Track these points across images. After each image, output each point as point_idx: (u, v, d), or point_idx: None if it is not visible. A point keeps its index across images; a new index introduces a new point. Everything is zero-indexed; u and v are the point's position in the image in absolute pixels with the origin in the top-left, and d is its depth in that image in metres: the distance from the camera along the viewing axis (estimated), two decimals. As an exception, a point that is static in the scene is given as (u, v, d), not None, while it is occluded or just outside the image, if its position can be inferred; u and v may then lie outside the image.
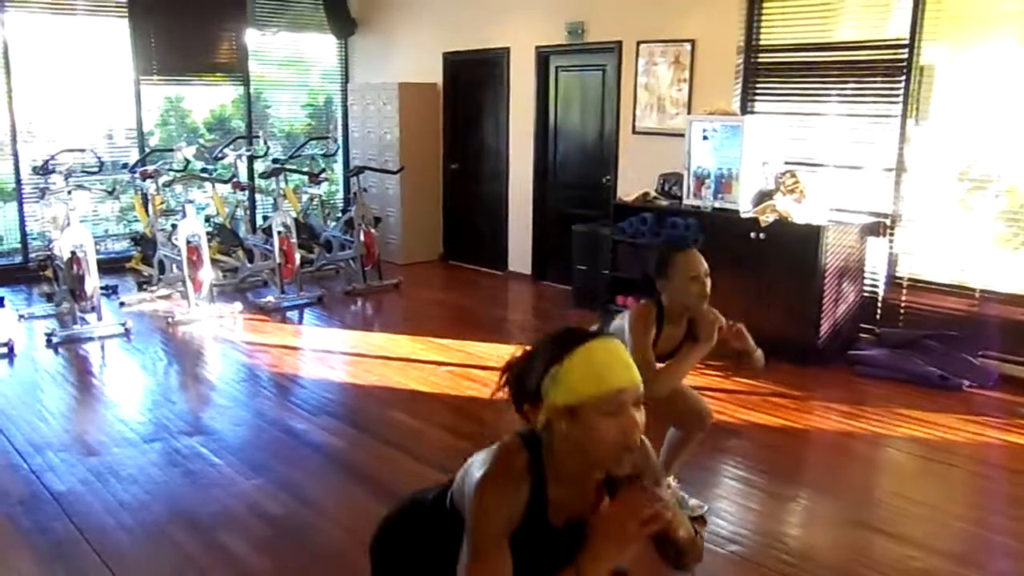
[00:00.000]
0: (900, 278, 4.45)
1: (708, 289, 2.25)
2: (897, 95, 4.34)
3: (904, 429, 3.49)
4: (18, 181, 6.19)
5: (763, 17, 4.84)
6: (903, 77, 4.30)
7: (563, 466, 1.25)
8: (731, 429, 3.47)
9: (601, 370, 1.20)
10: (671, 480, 2.70)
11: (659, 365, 2.36)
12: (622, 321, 2.39)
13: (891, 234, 4.45)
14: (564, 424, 1.22)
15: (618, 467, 1.23)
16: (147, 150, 6.48)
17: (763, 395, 3.85)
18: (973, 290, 4.18)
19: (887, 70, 4.37)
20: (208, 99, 7.35)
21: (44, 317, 5.14)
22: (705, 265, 2.27)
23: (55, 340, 4.62)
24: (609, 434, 1.19)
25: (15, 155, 6.14)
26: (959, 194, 4.36)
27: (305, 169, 6.50)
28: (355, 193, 6.28)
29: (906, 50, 4.27)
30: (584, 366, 1.20)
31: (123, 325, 4.82)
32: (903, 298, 4.44)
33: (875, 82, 4.43)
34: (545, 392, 1.23)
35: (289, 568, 2.38)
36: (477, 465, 1.29)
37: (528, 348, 1.31)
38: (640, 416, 1.22)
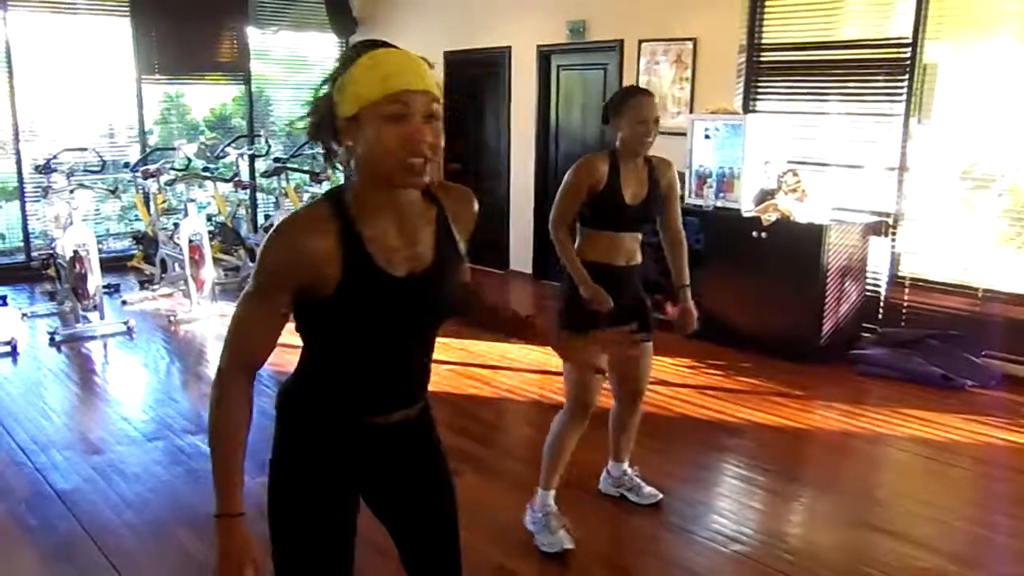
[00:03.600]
0: (902, 277, 4.45)
1: (652, 136, 2.38)
2: (900, 94, 4.33)
3: (906, 429, 3.49)
4: (20, 180, 6.19)
5: (765, 16, 4.84)
6: (906, 76, 4.29)
7: (367, 195, 1.16)
8: (732, 428, 3.47)
9: (387, 72, 1.10)
10: (628, 468, 2.75)
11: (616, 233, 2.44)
12: None
13: (893, 233, 4.45)
14: (351, 140, 1.13)
15: (411, 179, 1.12)
16: (149, 149, 6.49)
17: (764, 394, 3.85)
18: (976, 289, 4.17)
19: (890, 69, 4.36)
20: (209, 97, 7.36)
21: (47, 316, 5.14)
22: (655, 112, 2.39)
23: (58, 339, 4.62)
24: (390, 141, 1.09)
25: (17, 154, 6.14)
26: (962, 193, 4.35)
27: (306, 168, 6.50)
28: (357, 192, 6.26)
29: (909, 49, 4.26)
30: (369, 71, 1.10)
31: (125, 324, 4.83)
32: (905, 297, 4.43)
33: (878, 81, 4.42)
34: (335, 110, 1.13)
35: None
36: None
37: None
38: (432, 132, 1.11)
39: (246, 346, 1.20)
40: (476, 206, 1.34)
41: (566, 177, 2.44)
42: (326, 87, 1.17)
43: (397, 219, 1.19)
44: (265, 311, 1.18)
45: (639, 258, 2.51)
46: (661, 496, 2.74)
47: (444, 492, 1.40)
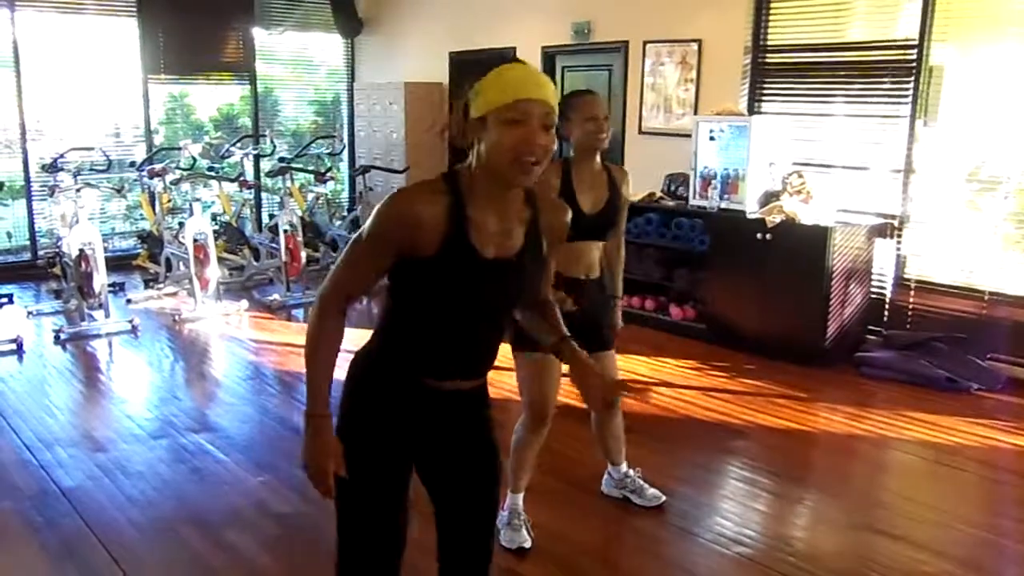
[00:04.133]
0: (908, 280, 4.44)
1: (604, 133, 2.38)
2: (906, 96, 4.32)
3: (911, 432, 3.47)
4: (27, 179, 6.22)
5: (771, 17, 4.83)
6: (912, 78, 4.28)
7: (480, 184, 1.33)
8: (736, 430, 3.47)
9: (513, 82, 1.28)
10: (629, 470, 2.77)
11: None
12: None
13: (899, 235, 4.44)
14: (478, 137, 1.30)
15: (522, 177, 1.30)
16: (154, 148, 6.51)
17: (768, 396, 3.84)
18: (982, 292, 4.16)
19: (896, 70, 4.35)
20: (214, 97, 7.38)
21: (52, 314, 5.16)
22: (604, 110, 2.40)
23: (63, 337, 4.64)
24: (510, 143, 1.27)
25: (24, 153, 6.17)
26: (968, 195, 4.34)
27: (311, 168, 6.51)
28: (361, 192, 6.29)
29: (915, 50, 4.25)
30: (498, 79, 1.29)
31: (130, 322, 4.85)
32: (911, 300, 4.42)
33: (883, 82, 4.41)
34: (469, 112, 1.32)
35: (297, 567, 2.39)
36: None
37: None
38: (546, 137, 1.29)
39: (347, 282, 1.37)
40: (569, 217, 1.49)
41: None
42: (465, 95, 1.34)
43: (498, 210, 1.35)
44: (369, 258, 1.34)
45: (598, 271, 2.51)
46: (664, 499, 2.74)
47: (490, 456, 1.52)
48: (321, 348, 1.37)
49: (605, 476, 2.81)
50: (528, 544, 2.43)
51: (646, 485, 2.75)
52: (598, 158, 2.44)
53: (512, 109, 1.27)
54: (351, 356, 1.47)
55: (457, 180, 1.33)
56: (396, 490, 1.45)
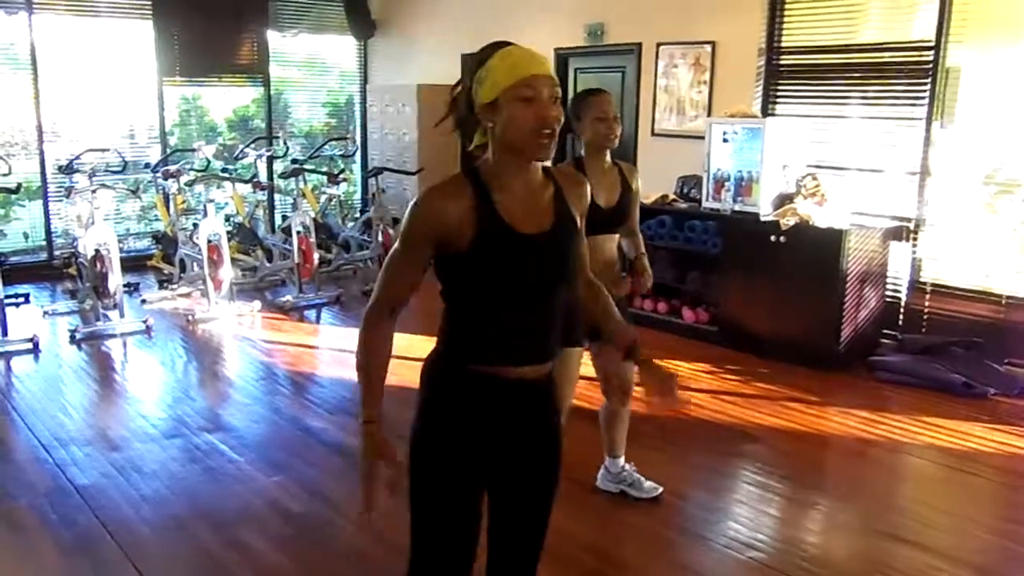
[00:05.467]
0: (923, 283, 4.39)
1: (615, 132, 2.44)
2: (922, 97, 4.28)
3: (926, 437, 3.43)
4: (44, 180, 6.29)
5: (785, 19, 4.80)
6: (928, 79, 4.24)
7: (500, 168, 1.38)
8: (749, 433, 3.44)
9: (516, 61, 1.34)
10: (624, 463, 2.77)
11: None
12: None
13: (914, 238, 4.39)
14: (491, 122, 1.35)
15: (540, 152, 1.35)
16: (169, 150, 6.57)
17: (782, 400, 3.81)
18: (999, 296, 4.10)
19: (912, 72, 4.31)
20: (227, 99, 7.44)
21: (68, 313, 5.22)
22: (614, 109, 2.45)
23: (78, 336, 4.69)
24: (527, 118, 1.32)
25: (41, 154, 6.24)
26: (985, 198, 4.29)
27: (324, 169, 6.54)
28: (373, 194, 6.31)
29: (931, 52, 4.21)
30: (501, 62, 1.34)
31: (144, 322, 4.89)
32: (926, 304, 4.37)
33: (899, 84, 4.37)
34: (475, 100, 1.37)
35: (309, 566, 2.40)
36: None
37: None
38: (557, 110, 1.35)
39: (392, 289, 1.43)
40: (588, 188, 1.54)
41: None
42: (461, 85, 1.42)
43: (523, 189, 1.39)
44: (408, 262, 1.39)
45: (616, 262, 2.54)
46: (661, 489, 2.76)
47: (554, 455, 1.53)
48: (372, 358, 1.42)
49: (601, 471, 2.82)
50: None
51: (642, 478, 2.77)
52: (608, 155, 2.50)
53: (525, 86, 1.32)
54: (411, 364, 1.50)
55: (478, 172, 1.39)
56: (474, 495, 1.46)
